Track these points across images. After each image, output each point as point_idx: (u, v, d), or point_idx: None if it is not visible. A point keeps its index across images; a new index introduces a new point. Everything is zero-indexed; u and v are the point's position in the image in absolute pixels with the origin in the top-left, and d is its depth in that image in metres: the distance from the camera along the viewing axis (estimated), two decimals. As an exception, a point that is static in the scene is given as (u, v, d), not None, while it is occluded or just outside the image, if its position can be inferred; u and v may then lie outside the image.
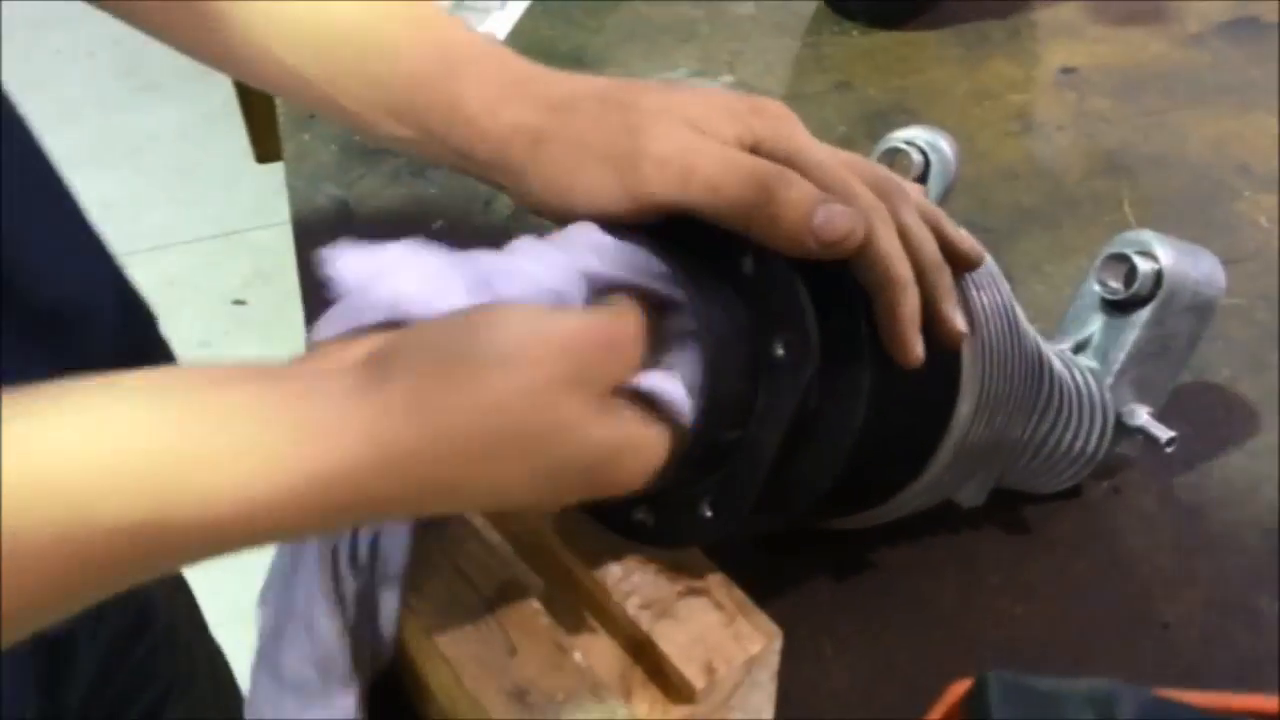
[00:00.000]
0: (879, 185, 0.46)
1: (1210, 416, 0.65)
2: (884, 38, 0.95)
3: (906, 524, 0.57)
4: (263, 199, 2.26)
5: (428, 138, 0.48)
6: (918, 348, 0.43)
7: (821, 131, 0.86)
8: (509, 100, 0.47)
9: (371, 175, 0.80)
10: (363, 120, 0.50)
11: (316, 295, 0.72)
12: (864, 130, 0.86)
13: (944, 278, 0.45)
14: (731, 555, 0.48)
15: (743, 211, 0.42)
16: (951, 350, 0.47)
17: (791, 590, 0.56)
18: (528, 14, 0.97)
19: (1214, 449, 0.64)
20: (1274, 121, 0.86)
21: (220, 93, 2.35)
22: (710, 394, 0.41)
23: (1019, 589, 0.57)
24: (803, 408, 0.43)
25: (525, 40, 0.94)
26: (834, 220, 0.41)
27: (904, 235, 0.44)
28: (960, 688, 0.36)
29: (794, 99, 0.90)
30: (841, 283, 0.44)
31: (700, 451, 0.42)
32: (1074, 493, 0.61)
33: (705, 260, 0.43)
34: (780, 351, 0.42)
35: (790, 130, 0.46)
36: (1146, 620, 0.56)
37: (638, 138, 0.44)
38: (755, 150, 0.45)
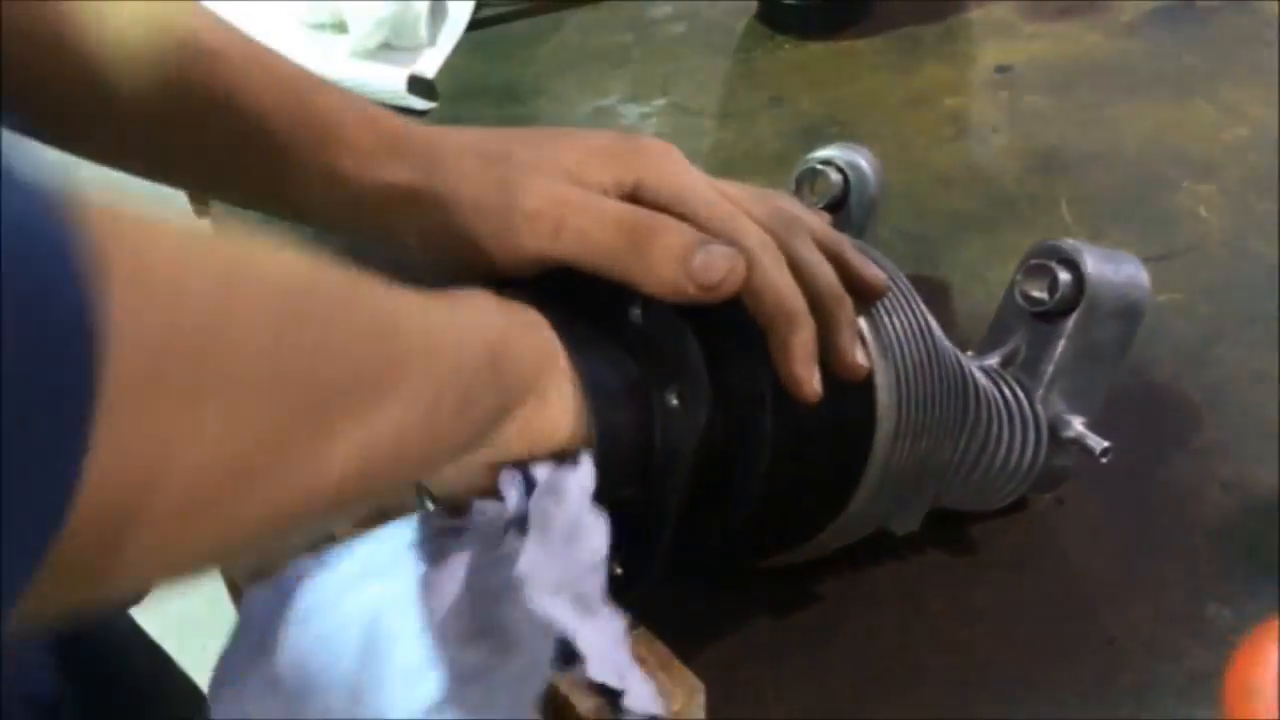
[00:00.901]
0: (772, 218, 0.45)
1: (1153, 417, 0.64)
2: (817, 49, 0.94)
3: (848, 553, 0.56)
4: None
5: (310, 209, 0.48)
6: (813, 383, 0.42)
7: (755, 148, 0.85)
8: (382, 160, 0.46)
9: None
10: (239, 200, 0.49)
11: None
12: (799, 145, 0.85)
13: (842, 310, 0.44)
14: (665, 597, 0.47)
15: (617, 261, 0.41)
16: (858, 381, 0.46)
17: (729, 631, 0.55)
18: (458, 50, 0.96)
19: (1157, 451, 0.62)
20: (1210, 106, 0.85)
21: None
22: (602, 449, 0.40)
23: (963, 612, 0.56)
24: (704, 455, 0.41)
25: (457, 76, 0.93)
26: (712, 263, 0.40)
27: (796, 268, 0.43)
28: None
29: (727, 117, 0.89)
30: (741, 324, 0.43)
31: (600, 505, 0.41)
32: (1018, 507, 0.60)
33: (594, 314, 0.42)
34: (674, 401, 0.41)
35: (674, 169, 0.45)
36: (1091, 636, 0.55)
37: (510, 192, 0.43)
38: (637, 192, 0.44)
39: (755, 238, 0.42)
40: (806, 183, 0.63)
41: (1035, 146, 0.83)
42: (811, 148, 0.80)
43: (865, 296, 0.47)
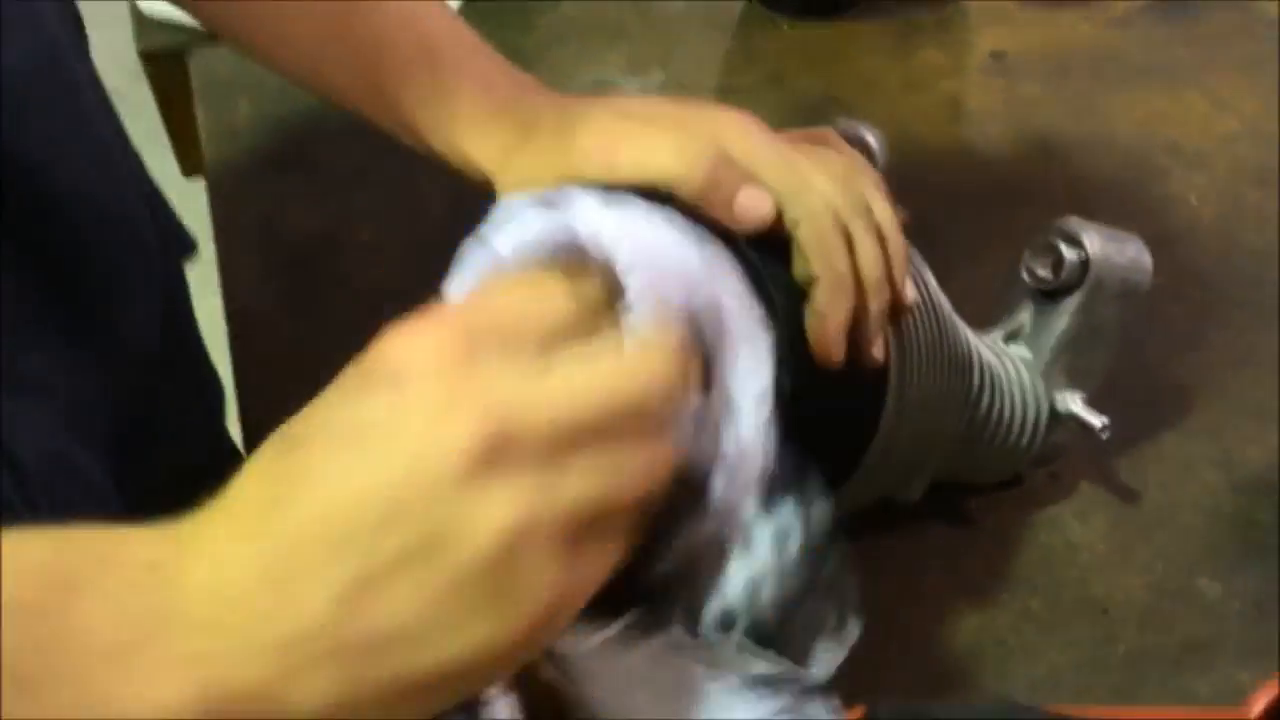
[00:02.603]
0: (839, 194, 0.45)
1: (1145, 397, 0.65)
2: (815, 30, 0.95)
3: (844, 524, 0.57)
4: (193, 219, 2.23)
5: (409, 136, 0.52)
6: (840, 350, 0.43)
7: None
8: (491, 128, 0.49)
9: (295, 186, 0.78)
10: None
11: (241, 318, 0.70)
12: (797, 124, 0.85)
13: (877, 301, 0.45)
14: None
15: (670, 182, 0.42)
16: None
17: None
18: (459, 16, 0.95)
19: (1150, 430, 0.64)
20: (1201, 98, 0.87)
21: (147, 112, 2.30)
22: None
23: (960, 582, 0.57)
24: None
25: (453, 44, 0.93)
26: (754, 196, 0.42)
27: (850, 243, 0.44)
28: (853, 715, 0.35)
29: (726, 93, 0.90)
30: (763, 287, 0.43)
31: None
32: (1013, 482, 0.61)
33: None
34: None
35: (743, 137, 0.45)
36: (1086, 607, 0.56)
37: (569, 132, 0.45)
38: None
39: (812, 205, 0.43)
40: (814, 156, 0.63)
41: (1029, 133, 0.84)
42: (809, 125, 0.81)
43: (891, 312, 0.47)
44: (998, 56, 0.92)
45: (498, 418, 0.27)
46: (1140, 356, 0.67)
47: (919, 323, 0.50)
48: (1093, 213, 0.78)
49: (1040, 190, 0.79)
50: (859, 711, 0.36)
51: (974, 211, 0.78)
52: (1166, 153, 0.82)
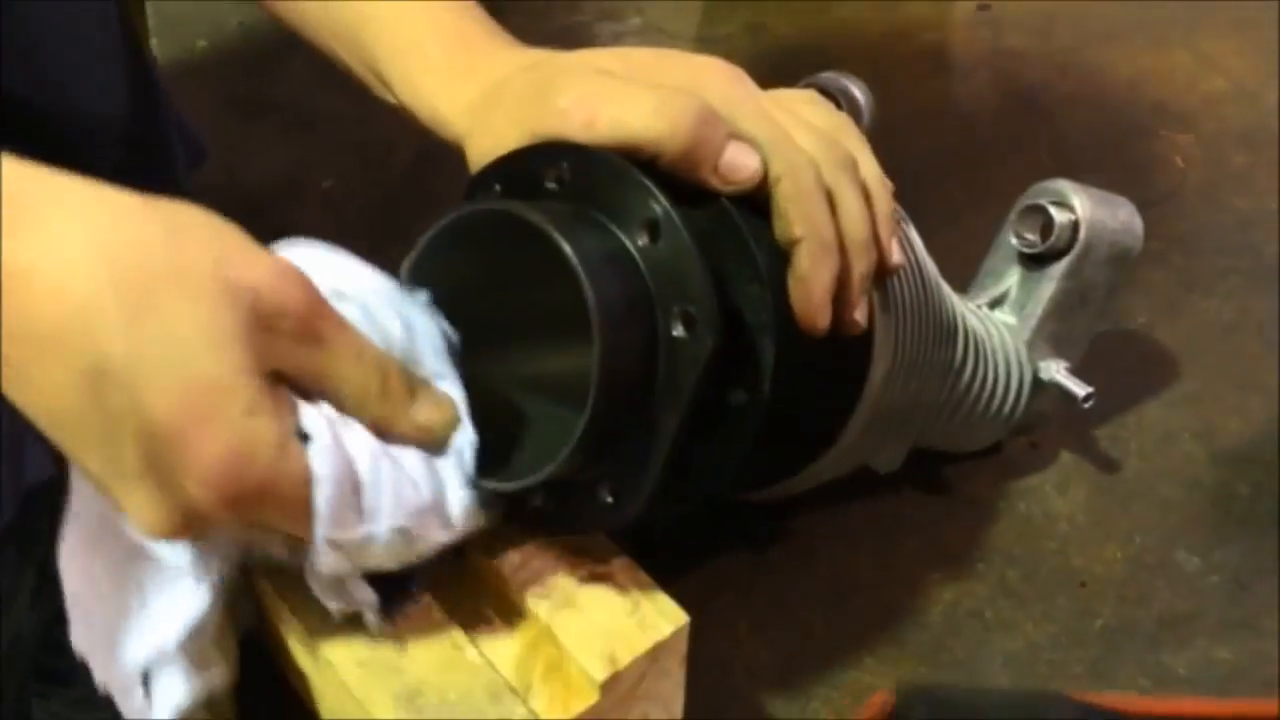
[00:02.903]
0: (822, 149, 0.43)
1: (1127, 365, 0.64)
2: (796, -25, 0.92)
3: (824, 489, 0.55)
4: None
5: (380, 88, 0.51)
6: (825, 316, 0.41)
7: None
8: (460, 87, 0.47)
9: (256, 131, 0.75)
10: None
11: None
12: (777, 74, 0.83)
13: (862, 261, 0.43)
14: (639, 530, 0.46)
15: (646, 141, 0.40)
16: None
17: (704, 564, 0.54)
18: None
19: (1131, 399, 0.62)
20: (1188, 57, 0.85)
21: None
22: (603, 370, 0.38)
23: (936, 553, 0.56)
24: (703, 386, 0.40)
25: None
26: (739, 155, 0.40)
27: (831, 203, 0.42)
28: (879, 700, 0.34)
29: (704, 42, 0.87)
30: (749, 254, 0.41)
31: (595, 433, 0.39)
32: (992, 450, 0.59)
33: (596, 231, 0.40)
34: (679, 327, 0.39)
35: (724, 86, 0.43)
36: (1064, 579, 0.55)
37: (545, 93, 0.42)
38: None
39: (794, 160, 0.41)
40: (797, 110, 0.61)
41: (1014, 87, 0.82)
42: (790, 76, 0.78)
43: (876, 275, 0.45)
44: (983, 8, 0.90)
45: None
46: (1124, 322, 0.66)
47: (905, 286, 0.48)
48: (1077, 173, 0.76)
49: (1025, 148, 0.78)
50: (881, 697, 0.34)
51: (956, 169, 0.76)
52: (1152, 112, 0.80)
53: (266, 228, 0.69)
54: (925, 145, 0.77)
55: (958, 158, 0.77)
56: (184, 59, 0.80)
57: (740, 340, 0.41)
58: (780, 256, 0.42)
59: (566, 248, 0.38)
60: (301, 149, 0.74)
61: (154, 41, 0.83)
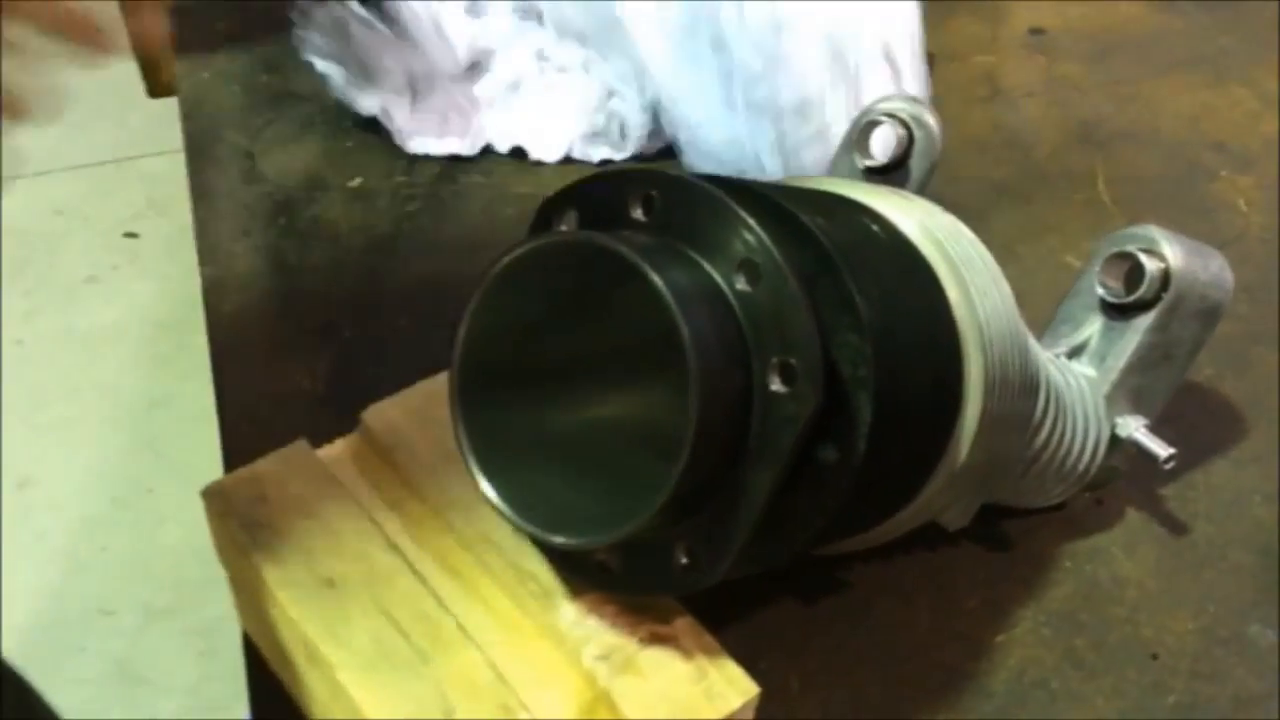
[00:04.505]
0: None
1: (1194, 420, 0.61)
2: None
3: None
4: (156, 124, 2.11)
5: None
6: None
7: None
8: None
9: (280, 122, 0.71)
10: None
11: (212, 240, 0.64)
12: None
13: None
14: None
15: None
16: (955, 370, 0.42)
17: (755, 618, 0.51)
18: None
19: (1198, 456, 0.59)
20: (1248, 94, 0.82)
21: (106, 11, 2.18)
22: (700, 422, 0.35)
23: (996, 614, 0.53)
24: (801, 445, 0.36)
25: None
26: None
27: None
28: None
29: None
30: (848, 295, 0.37)
31: (684, 490, 0.36)
32: (1055, 506, 0.56)
33: (689, 268, 0.37)
34: (777, 380, 0.36)
35: None
36: (1133, 650, 0.52)
37: None
38: None
39: None
40: (866, 134, 0.58)
41: (1070, 117, 0.79)
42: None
43: None
44: (1036, 32, 0.87)
45: None
46: (1189, 375, 0.63)
47: (998, 338, 0.45)
48: (1135, 211, 0.73)
49: (1081, 183, 0.75)
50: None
51: (1012, 201, 0.73)
52: (1212, 151, 0.77)
53: (290, 227, 0.66)
54: (980, 175, 0.74)
55: (1014, 189, 0.74)
56: (205, 50, 0.76)
57: (834, 393, 0.38)
58: (882, 304, 0.39)
59: (660, 283, 0.35)
60: (325, 145, 0.70)
61: (173, 21, 0.78)
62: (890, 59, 0.74)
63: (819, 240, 0.38)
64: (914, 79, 0.74)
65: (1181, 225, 0.72)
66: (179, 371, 1.64)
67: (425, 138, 0.69)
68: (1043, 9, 0.88)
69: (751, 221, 0.36)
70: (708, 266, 0.37)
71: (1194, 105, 0.81)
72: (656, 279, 0.34)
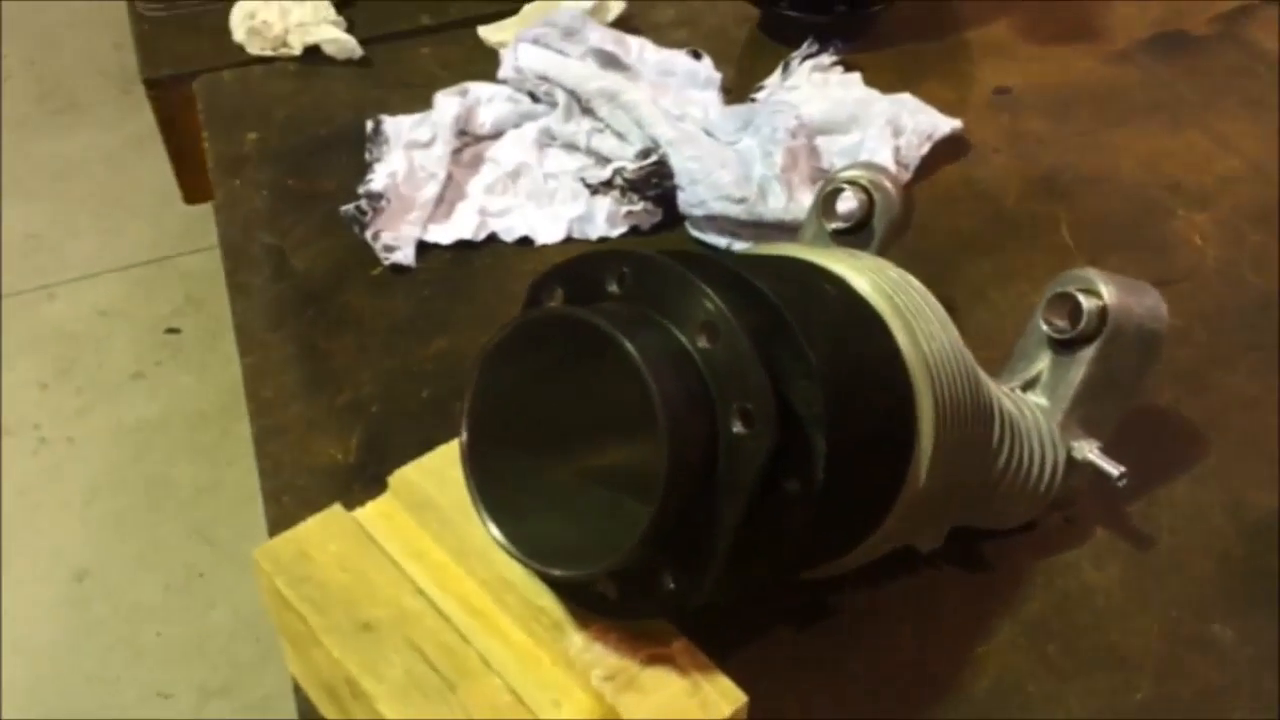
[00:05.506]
0: None
1: (1155, 441, 0.66)
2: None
3: (864, 569, 0.57)
4: (192, 223, 2.21)
5: None
6: None
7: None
8: None
9: (304, 223, 0.78)
10: None
11: (249, 332, 0.70)
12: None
13: None
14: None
15: None
16: (907, 406, 0.47)
17: (750, 644, 0.56)
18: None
19: (1161, 474, 0.64)
20: (1202, 137, 0.88)
21: (142, 114, 2.29)
22: (670, 464, 0.40)
23: (977, 627, 0.58)
24: (761, 479, 0.42)
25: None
26: None
27: None
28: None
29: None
30: (798, 347, 0.43)
31: (661, 524, 0.41)
32: (1028, 526, 0.61)
33: (657, 332, 0.43)
34: (739, 424, 0.42)
35: None
36: (1102, 654, 0.56)
37: None
38: None
39: None
40: (830, 201, 0.64)
41: (1034, 169, 0.85)
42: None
43: None
44: (1001, 91, 0.93)
45: None
46: (1149, 399, 0.68)
47: (946, 375, 0.50)
48: (1098, 251, 0.79)
49: (1046, 228, 0.80)
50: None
51: (982, 250, 0.78)
52: (1169, 192, 0.83)
53: (320, 315, 0.72)
54: (950, 227, 0.80)
55: (983, 238, 0.79)
56: (235, 151, 0.84)
57: (793, 431, 0.43)
58: (832, 351, 0.45)
59: (631, 350, 0.41)
60: (344, 240, 0.77)
61: (205, 134, 0.86)
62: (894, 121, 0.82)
63: (771, 301, 0.44)
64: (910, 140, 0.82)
65: (1142, 262, 0.78)
66: (222, 458, 1.71)
67: (436, 225, 0.77)
68: (1007, 69, 0.95)
69: (709, 290, 0.43)
70: (674, 329, 0.43)
71: (1151, 150, 0.87)
72: (628, 345, 0.41)
